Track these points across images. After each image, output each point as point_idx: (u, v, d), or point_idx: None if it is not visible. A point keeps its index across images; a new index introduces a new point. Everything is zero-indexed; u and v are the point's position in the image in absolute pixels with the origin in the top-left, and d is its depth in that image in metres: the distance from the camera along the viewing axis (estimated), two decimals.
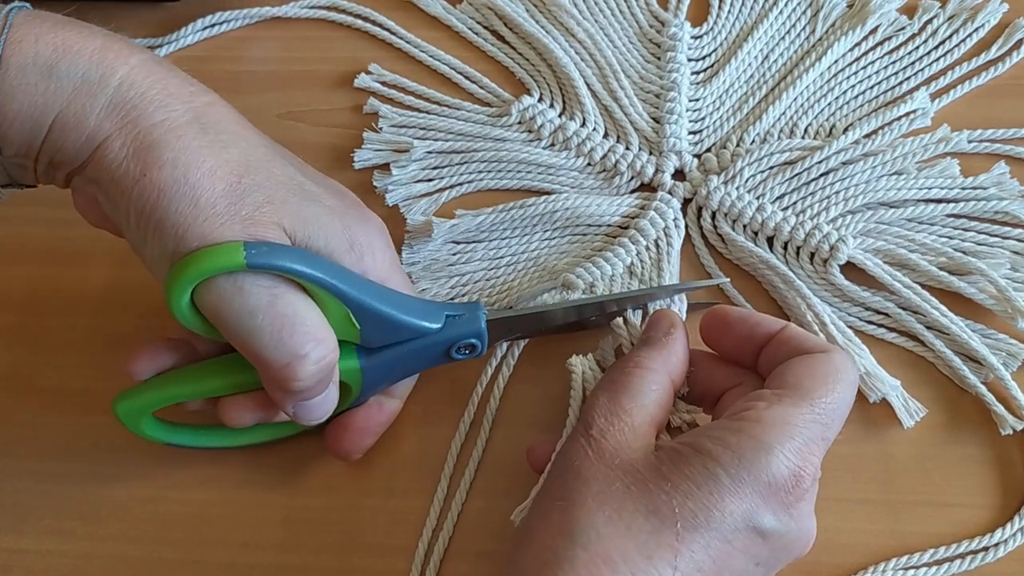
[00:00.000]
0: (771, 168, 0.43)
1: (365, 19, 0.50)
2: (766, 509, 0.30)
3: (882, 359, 0.39)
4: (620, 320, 0.38)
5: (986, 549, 0.36)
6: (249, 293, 0.31)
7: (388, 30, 0.49)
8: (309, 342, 0.31)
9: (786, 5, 0.47)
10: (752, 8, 0.48)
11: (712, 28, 0.48)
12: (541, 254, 0.43)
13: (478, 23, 0.50)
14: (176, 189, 0.30)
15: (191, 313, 0.32)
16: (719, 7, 0.49)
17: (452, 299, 0.42)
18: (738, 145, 0.44)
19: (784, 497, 0.30)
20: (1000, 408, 0.38)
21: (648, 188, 0.44)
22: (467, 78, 0.48)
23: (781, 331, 0.34)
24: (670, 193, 0.43)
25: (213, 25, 0.50)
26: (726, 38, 0.48)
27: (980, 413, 0.39)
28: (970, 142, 0.44)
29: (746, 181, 0.43)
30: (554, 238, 0.43)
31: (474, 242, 0.43)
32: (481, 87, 0.48)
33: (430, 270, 0.43)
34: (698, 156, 0.44)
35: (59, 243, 0.44)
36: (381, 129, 0.46)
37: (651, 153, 0.45)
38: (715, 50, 0.48)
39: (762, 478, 0.29)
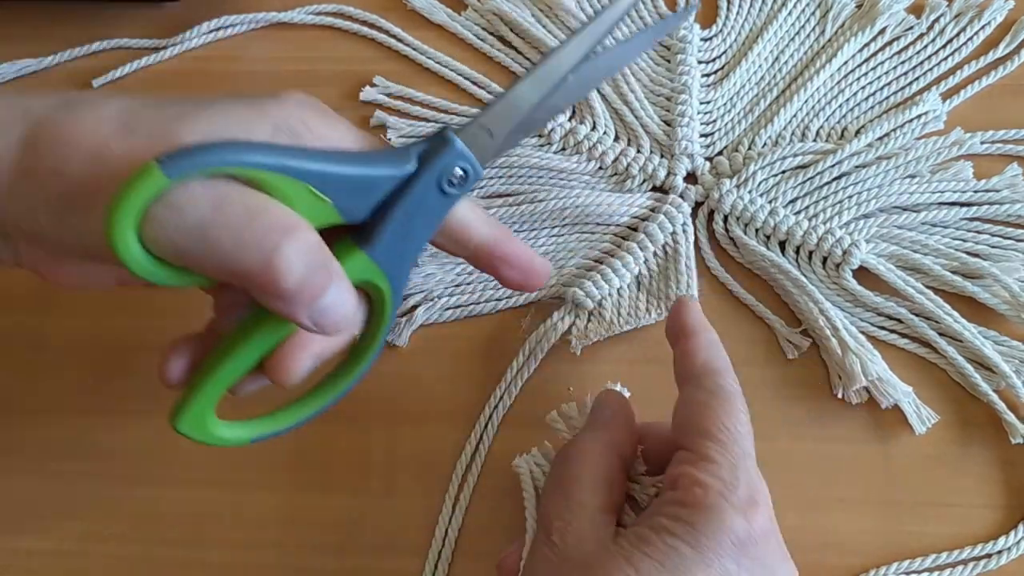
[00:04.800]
0: (784, 172, 0.43)
1: (372, 26, 0.49)
2: (739, 568, 0.29)
3: (893, 365, 0.39)
4: (555, 414, 0.37)
5: (988, 556, 0.36)
6: (186, 208, 0.27)
7: (395, 37, 0.49)
8: (273, 232, 0.28)
9: (795, 6, 0.47)
10: (761, 9, 0.48)
11: (721, 30, 0.48)
12: (549, 250, 0.43)
13: (484, 29, 0.49)
14: (72, 154, 0.28)
15: (153, 264, 0.29)
16: (727, 8, 0.48)
17: (458, 285, 0.41)
18: (750, 148, 0.44)
19: (751, 548, 0.29)
20: (1011, 416, 0.38)
21: (660, 190, 0.44)
22: (475, 83, 0.48)
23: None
24: (682, 196, 0.43)
25: (218, 29, 0.50)
26: (736, 39, 0.47)
27: (988, 418, 0.39)
28: (983, 143, 0.43)
29: (758, 185, 0.42)
30: (562, 235, 0.43)
31: None
32: (489, 92, 0.47)
33: (437, 257, 0.43)
34: (710, 159, 0.44)
35: None
36: (390, 141, 0.46)
37: (663, 156, 0.44)
38: (725, 52, 0.47)
39: (723, 540, 0.29)
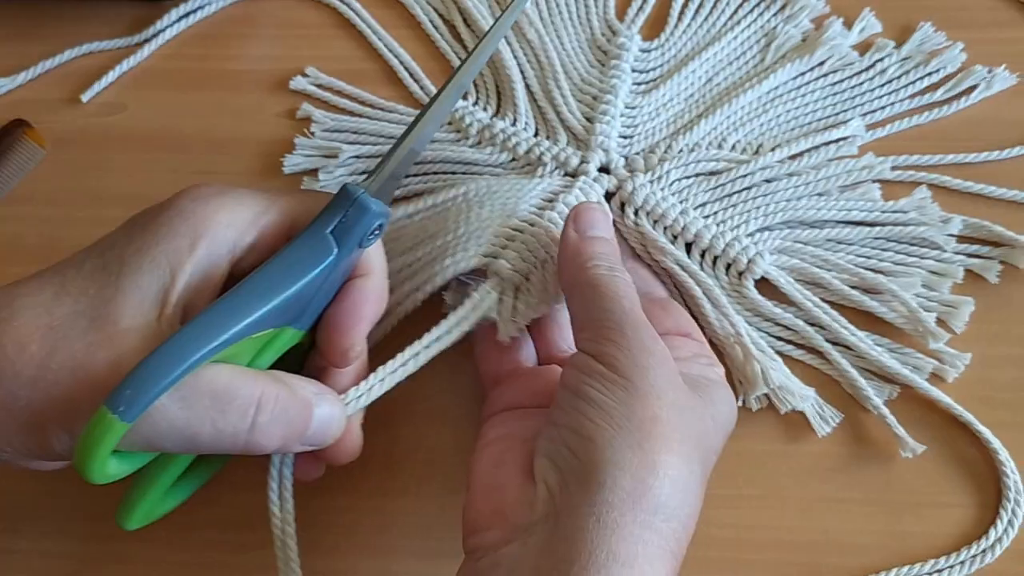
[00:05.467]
0: (697, 175, 0.43)
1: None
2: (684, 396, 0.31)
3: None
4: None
5: (984, 552, 0.37)
6: (154, 415, 0.28)
7: (356, 12, 0.51)
8: (245, 414, 0.29)
9: (741, 31, 0.48)
10: (707, 31, 0.49)
11: (663, 45, 0.49)
12: (462, 230, 0.40)
13: (440, 15, 0.51)
14: (16, 390, 0.28)
15: (125, 462, 0.30)
16: (675, 26, 0.49)
17: None
18: (666, 152, 0.44)
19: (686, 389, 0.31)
20: (901, 431, 0.38)
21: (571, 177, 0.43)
22: (413, 77, 0.48)
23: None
24: (594, 181, 0.43)
25: (189, 14, 0.50)
26: (674, 56, 0.48)
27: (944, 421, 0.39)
28: (893, 169, 0.44)
29: (671, 184, 0.43)
30: (472, 213, 0.41)
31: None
32: (421, 87, 0.48)
33: None
34: (625, 158, 0.44)
35: (55, 242, 0.44)
36: (314, 134, 0.46)
37: (578, 148, 0.45)
38: (662, 65, 0.48)
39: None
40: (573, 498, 0.29)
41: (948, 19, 0.48)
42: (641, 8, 0.50)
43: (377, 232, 0.33)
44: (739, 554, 0.37)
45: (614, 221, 0.41)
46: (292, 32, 0.51)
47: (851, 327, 0.40)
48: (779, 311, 0.41)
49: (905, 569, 0.36)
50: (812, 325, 0.41)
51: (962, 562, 0.36)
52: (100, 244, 0.32)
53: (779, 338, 0.41)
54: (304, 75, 0.49)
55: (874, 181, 0.43)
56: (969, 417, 0.38)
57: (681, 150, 0.44)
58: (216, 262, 0.31)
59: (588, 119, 0.46)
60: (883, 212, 0.42)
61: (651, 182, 0.43)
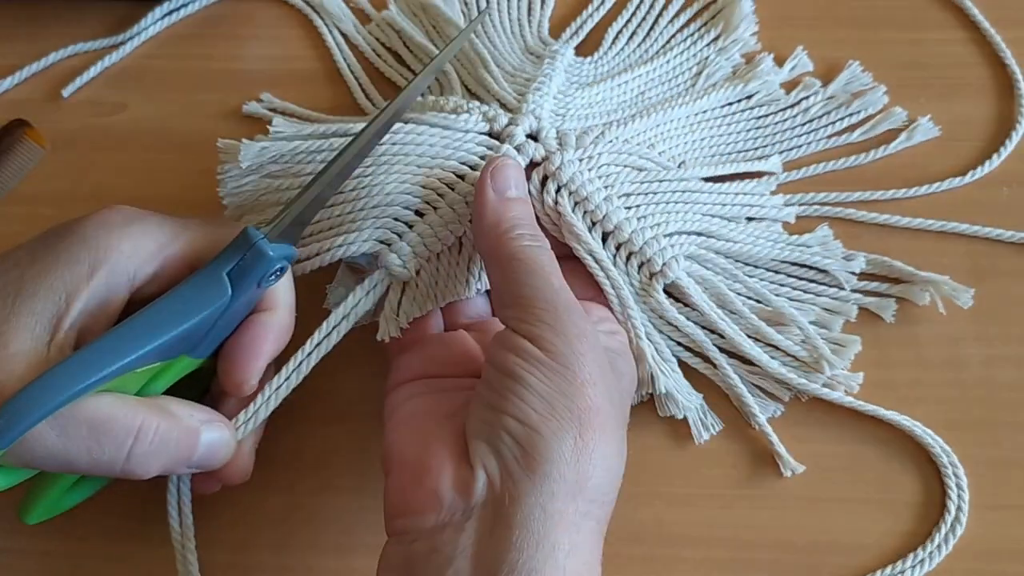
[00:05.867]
0: (626, 166, 0.42)
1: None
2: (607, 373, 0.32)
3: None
4: None
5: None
6: (31, 440, 0.28)
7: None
8: (121, 444, 0.30)
9: (675, 56, 0.49)
10: (641, 56, 0.49)
11: (596, 61, 0.49)
12: (362, 195, 0.38)
13: (383, 44, 0.51)
14: None
15: (11, 476, 0.31)
16: (609, 47, 0.50)
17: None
18: (599, 136, 0.42)
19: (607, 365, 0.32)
20: (782, 448, 0.39)
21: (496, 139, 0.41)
22: (366, 94, 0.49)
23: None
24: (518, 150, 0.40)
25: (172, 12, 0.51)
26: (607, 71, 0.48)
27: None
28: (800, 205, 0.45)
29: (599, 167, 0.41)
30: (379, 175, 0.39)
31: (292, 176, 0.40)
32: (373, 104, 0.48)
33: (255, 209, 0.40)
34: (557, 130, 0.42)
35: None
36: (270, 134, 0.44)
37: (507, 111, 0.42)
38: (594, 77, 0.48)
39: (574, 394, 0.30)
40: (518, 487, 0.29)
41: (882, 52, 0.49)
42: (576, 32, 0.51)
43: (278, 273, 0.33)
44: (739, 554, 0.37)
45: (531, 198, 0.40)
46: (293, 33, 0.52)
47: (748, 341, 0.40)
48: (681, 318, 0.40)
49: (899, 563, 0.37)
50: (713, 333, 0.41)
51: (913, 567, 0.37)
52: (5, 260, 0.32)
53: (680, 343, 0.41)
54: (259, 100, 0.49)
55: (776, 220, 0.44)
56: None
57: (612, 140, 0.42)
58: (115, 291, 0.32)
59: (520, 94, 0.44)
60: (787, 244, 0.43)
61: (580, 160, 0.40)
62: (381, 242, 0.38)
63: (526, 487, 0.29)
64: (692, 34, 0.50)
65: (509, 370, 0.31)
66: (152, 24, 0.51)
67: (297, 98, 0.49)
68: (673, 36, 0.50)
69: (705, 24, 0.50)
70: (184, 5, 0.52)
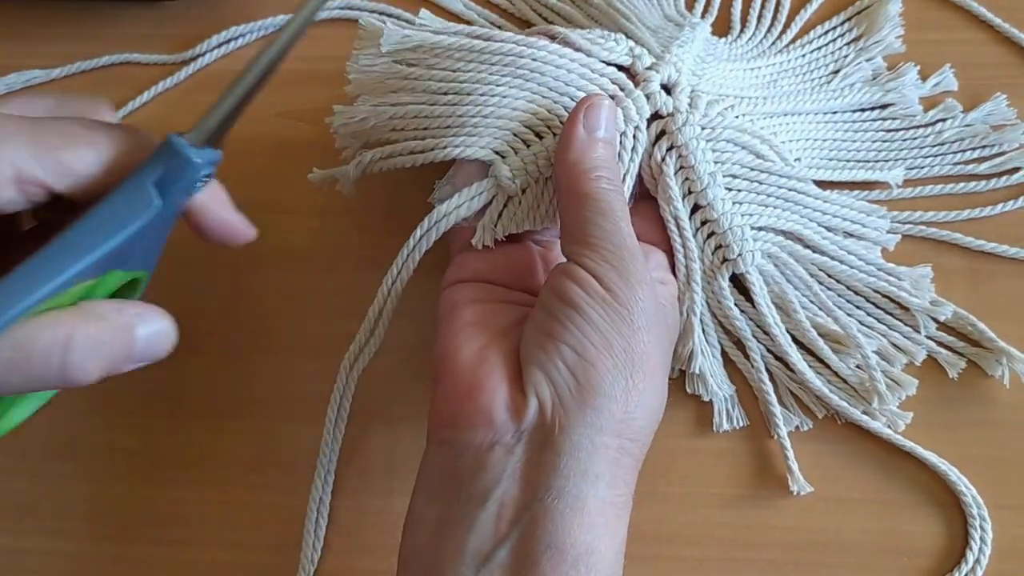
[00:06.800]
0: (743, 147, 0.41)
1: (383, 15, 0.48)
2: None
3: None
4: None
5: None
6: None
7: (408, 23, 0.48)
8: (52, 355, 0.28)
9: (812, 51, 0.47)
10: (774, 45, 0.47)
11: (730, 42, 0.47)
12: (490, 105, 0.38)
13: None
14: None
15: None
16: (740, 31, 0.48)
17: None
18: (727, 109, 0.41)
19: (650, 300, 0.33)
20: (795, 465, 0.39)
21: (630, 76, 0.39)
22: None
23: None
24: (648, 98, 0.39)
25: (228, 41, 0.48)
26: (741, 53, 0.46)
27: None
28: (904, 223, 0.43)
29: (719, 141, 0.40)
30: (508, 90, 0.38)
31: (426, 67, 0.39)
32: None
33: (375, 92, 0.40)
34: (693, 88, 0.40)
35: None
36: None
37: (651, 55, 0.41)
38: (728, 56, 0.45)
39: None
40: (569, 417, 0.30)
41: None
42: (708, 9, 0.49)
43: (205, 180, 0.32)
44: (739, 554, 0.38)
45: (641, 149, 0.39)
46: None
47: (797, 353, 0.40)
48: (735, 310, 0.40)
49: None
50: (766, 335, 0.41)
51: None
52: None
53: (728, 332, 0.41)
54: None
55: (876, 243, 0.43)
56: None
57: (739, 116, 0.41)
58: None
59: (663, 47, 0.42)
60: (878, 270, 0.42)
61: (703, 128, 0.40)
62: (497, 152, 0.38)
63: (577, 418, 0.30)
64: (832, 28, 0.48)
65: (571, 300, 0.32)
66: (207, 52, 0.49)
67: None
68: (813, 27, 0.48)
69: (848, 19, 0.48)
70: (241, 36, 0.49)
